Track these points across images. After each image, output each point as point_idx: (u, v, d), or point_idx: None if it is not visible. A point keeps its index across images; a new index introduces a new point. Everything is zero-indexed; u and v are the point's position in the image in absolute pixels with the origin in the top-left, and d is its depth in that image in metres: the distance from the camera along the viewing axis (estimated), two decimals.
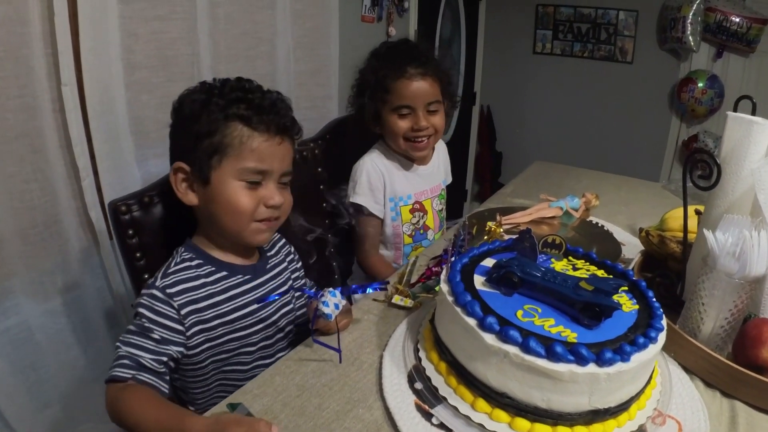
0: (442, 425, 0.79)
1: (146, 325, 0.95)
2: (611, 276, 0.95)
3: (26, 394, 1.50)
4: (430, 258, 1.35)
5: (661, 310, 0.85)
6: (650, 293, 0.89)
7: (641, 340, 0.75)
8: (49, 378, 1.55)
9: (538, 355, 0.71)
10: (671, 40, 3.24)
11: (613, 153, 3.62)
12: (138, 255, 1.20)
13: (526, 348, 0.71)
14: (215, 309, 1.03)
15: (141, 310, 0.96)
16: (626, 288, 0.90)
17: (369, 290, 1.02)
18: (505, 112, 4.15)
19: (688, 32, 3.10)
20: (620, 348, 0.72)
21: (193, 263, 1.05)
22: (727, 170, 1.01)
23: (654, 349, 0.76)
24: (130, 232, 1.19)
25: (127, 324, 1.04)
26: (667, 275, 1.15)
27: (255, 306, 1.08)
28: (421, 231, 1.63)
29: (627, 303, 0.86)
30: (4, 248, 1.37)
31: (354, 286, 1.02)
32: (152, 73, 1.62)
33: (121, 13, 1.50)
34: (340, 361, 0.96)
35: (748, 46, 3.12)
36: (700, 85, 3.19)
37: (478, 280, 0.87)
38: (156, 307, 0.97)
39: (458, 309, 0.79)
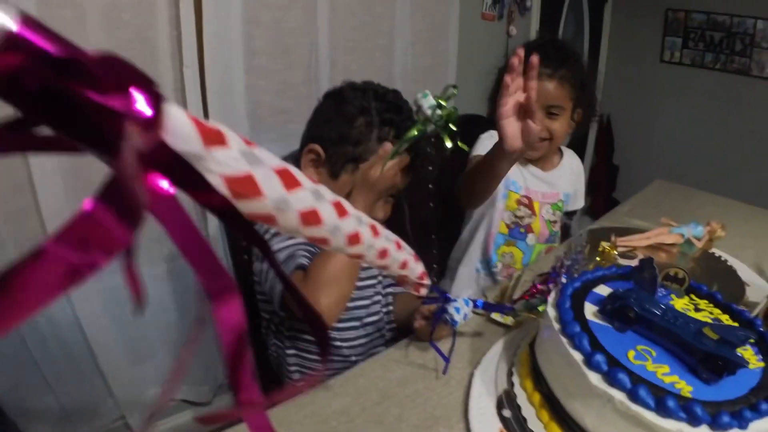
0: None
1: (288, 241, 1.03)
2: (737, 323, 0.85)
3: (123, 348, 1.60)
4: (537, 274, 1.28)
5: None
6: None
7: (764, 406, 0.65)
8: (146, 337, 1.64)
9: (646, 406, 0.63)
10: None
11: (742, 179, 3.31)
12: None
13: (634, 396, 0.64)
14: None
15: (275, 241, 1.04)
16: (753, 340, 0.81)
17: (494, 313, 1.02)
18: (626, 122, 3.92)
19: None
20: (739, 412, 0.64)
21: None
22: None
23: None
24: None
25: None
26: None
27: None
28: (522, 230, 1.55)
29: (752, 359, 0.76)
30: None
31: (480, 302, 0.99)
32: (271, 59, 1.68)
33: (244, 0, 1.54)
34: (445, 372, 0.93)
35: None
36: None
37: (590, 310, 0.80)
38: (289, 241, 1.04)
39: (564, 339, 0.73)
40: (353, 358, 1.18)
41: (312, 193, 0.40)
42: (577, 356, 0.70)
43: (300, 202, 0.39)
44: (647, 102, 3.77)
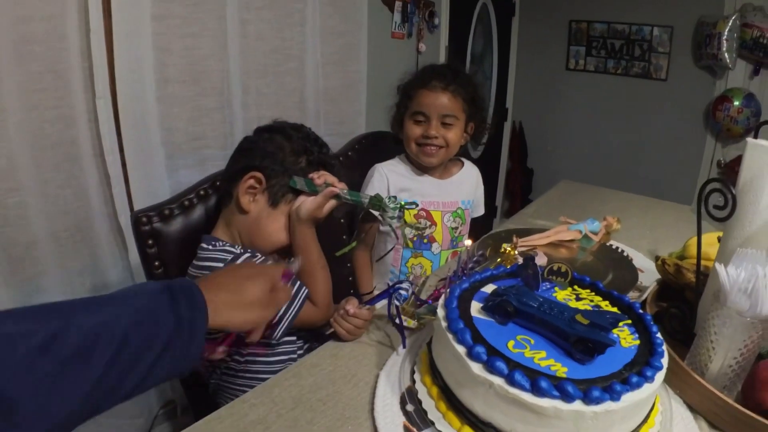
0: None
1: None
2: (616, 308, 0.91)
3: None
4: (440, 279, 1.32)
5: (663, 347, 0.80)
6: (654, 328, 0.84)
7: (635, 379, 0.71)
8: None
9: (522, 388, 0.68)
10: (706, 56, 3.14)
11: (645, 172, 3.52)
12: (156, 264, 1.24)
13: (511, 380, 0.68)
14: None
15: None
16: (630, 321, 0.86)
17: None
18: (537, 128, 4.09)
19: (724, 49, 3.00)
20: (610, 387, 0.69)
21: (236, 248, 1.17)
22: (744, 201, 0.96)
23: (649, 389, 0.72)
24: (150, 242, 1.23)
25: None
26: (682, 307, 1.09)
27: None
28: (425, 240, 1.62)
29: (628, 338, 0.82)
30: (38, 248, 1.42)
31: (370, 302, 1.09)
32: (184, 87, 1.66)
33: (155, 30, 1.54)
34: (404, 347, 1.00)
35: None
36: (736, 103, 3.07)
37: (475, 307, 0.85)
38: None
39: (450, 335, 0.77)
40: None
41: None
42: (461, 349, 0.74)
43: None
44: (556, 108, 3.95)
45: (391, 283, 1.56)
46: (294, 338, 1.24)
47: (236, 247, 1.17)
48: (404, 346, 1.00)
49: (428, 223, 1.61)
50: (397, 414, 0.84)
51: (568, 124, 3.94)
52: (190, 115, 1.69)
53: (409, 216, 1.56)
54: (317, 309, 1.17)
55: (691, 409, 0.90)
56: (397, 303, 1.02)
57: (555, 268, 0.96)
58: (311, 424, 0.85)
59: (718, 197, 0.97)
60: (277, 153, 1.17)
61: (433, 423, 0.79)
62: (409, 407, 0.84)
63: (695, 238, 1.40)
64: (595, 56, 3.73)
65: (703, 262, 1.20)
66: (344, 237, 1.64)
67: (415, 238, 1.60)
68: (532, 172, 4.17)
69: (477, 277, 0.94)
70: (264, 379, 0.96)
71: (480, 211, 1.80)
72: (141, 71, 1.54)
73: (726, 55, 3.02)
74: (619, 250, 1.49)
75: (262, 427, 0.84)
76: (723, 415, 0.86)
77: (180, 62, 1.64)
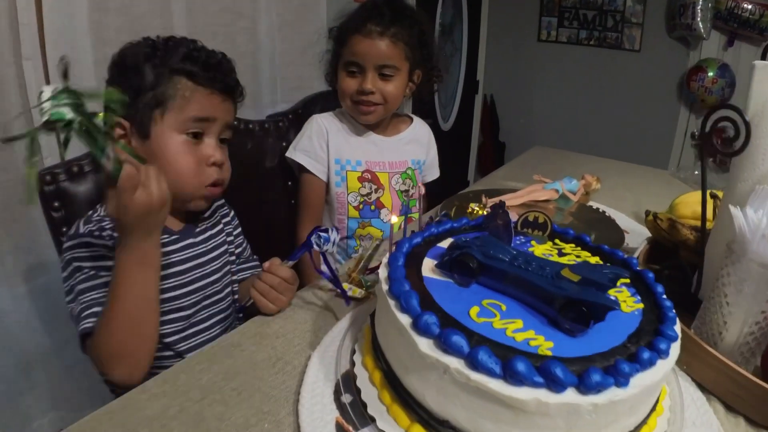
0: None
1: (91, 273, 0.86)
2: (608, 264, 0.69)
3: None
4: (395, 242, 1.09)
5: (674, 310, 0.59)
6: (659, 288, 0.63)
7: (646, 354, 0.49)
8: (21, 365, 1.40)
9: (490, 373, 0.45)
10: (680, 27, 2.97)
11: (620, 144, 3.35)
12: (64, 230, 1.03)
13: (473, 362, 0.46)
14: None
15: (80, 263, 0.87)
16: (627, 281, 0.65)
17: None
18: (508, 101, 3.87)
19: (698, 19, 2.85)
20: (615, 366, 0.47)
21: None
22: (757, 132, 0.75)
23: (664, 366, 0.51)
24: (56, 204, 1.04)
25: None
26: (680, 267, 0.89)
27: (182, 267, 0.97)
28: (372, 207, 1.37)
29: (628, 300, 0.60)
30: None
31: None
32: None
33: None
34: (348, 303, 0.86)
35: (761, 35, 2.82)
36: (711, 74, 2.91)
37: (428, 266, 0.62)
38: (95, 253, 0.87)
39: (392, 302, 0.54)
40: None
41: None
42: (405, 320, 0.51)
43: None
44: (528, 80, 3.76)
45: (340, 264, 1.34)
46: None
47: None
48: (347, 303, 0.83)
49: (374, 187, 1.37)
50: (330, 408, 0.61)
51: (540, 97, 3.74)
52: None
53: (352, 182, 1.34)
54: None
55: (703, 388, 0.70)
56: (320, 249, 0.83)
57: (531, 218, 0.74)
58: (220, 420, 0.63)
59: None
60: (123, 83, 0.92)
61: (373, 420, 0.56)
62: (345, 398, 0.61)
63: (684, 197, 1.23)
64: (567, 27, 3.54)
65: (690, 222, 1.01)
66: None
67: (361, 206, 1.36)
68: (504, 145, 3.96)
69: (433, 230, 0.71)
70: None
71: (434, 173, 1.55)
72: (74, 31, 1.34)
73: (700, 25, 2.87)
74: (601, 211, 1.29)
75: (158, 424, 0.62)
76: (742, 394, 0.66)
77: (117, 21, 1.43)
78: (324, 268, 0.87)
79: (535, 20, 3.61)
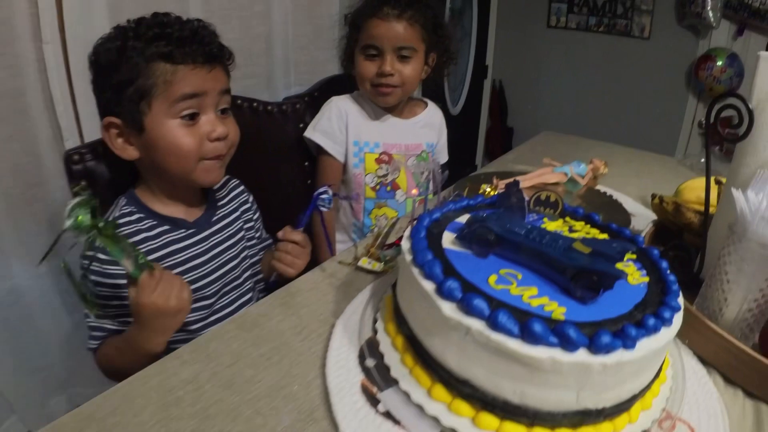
0: (388, 414, 0.59)
1: (106, 294, 0.89)
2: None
3: (16, 360, 1.39)
4: (412, 219, 1.13)
5: (677, 285, 0.63)
6: (664, 264, 0.67)
7: (651, 321, 0.53)
8: (38, 344, 1.42)
9: (509, 333, 0.49)
10: (690, 15, 2.95)
11: (627, 131, 3.33)
12: None
13: (493, 323, 0.50)
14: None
15: (99, 278, 0.89)
16: (634, 256, 0.69)
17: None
18: (517, 86, 3.87)
19: (708, 8, 2.82)
20: (623, 330, 0.51)
21: (133, 217, 0.94)
22: (759, 120, 0.78)
23: (667, 334, 0.54)
24: (83, 183, 1.04)
25: None
26: (683, 248, 0.92)
27: (200, 260, 0.98)
28: (388, 188, 1.40)
29: (635, 274, 0.64)
30: None
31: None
32: None
33: None
34: (332, 253, 0.95)
35: None
36: (719, 63, 2.88)
37: (448, 239, 0.66)
38: (105, 270, 0.88)
39: (415, 270, 0.58)
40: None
41: None
42: (429, 286, 0.55)
43: None
44: (536, 66, 3.74)
45: (355, 242, 1.38)
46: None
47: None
48: (332, 253, 0.90)
49: (390, 168, 1.40)
50: (355, 371, 0.66)
51: (549, 83, 3.73)
52: None
53: (369, 164, 1.38)
54: None
55: (703, 361, 0.73)
56: (323, 208, 0.92)
57: (543, 197, 0.77)
58: (250, 383, 0.67)
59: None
60: (103, 80, 0.91)
61: (396, 381, 0.60)
62: (369, 362, 0.65)
63: (689, 182, 1.26)
64: (576, 13, 3.52)
65: (695, 206, 1.04)
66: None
67: (377, 187, 1.39)
68: (512, 131, 3.97)
69: (450, 207, 0.74)
70: None
71: (444, 157, 1.58)
72: (92, 15, 1.33)
73: (710, 14, 2.85)
74: (608, 195, 1.32)
75: (192, 386, 0.66)
76: (741, 368, 0.69)
77: (135, 4, 1.41)
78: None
79: (544, 6, 3.59)
